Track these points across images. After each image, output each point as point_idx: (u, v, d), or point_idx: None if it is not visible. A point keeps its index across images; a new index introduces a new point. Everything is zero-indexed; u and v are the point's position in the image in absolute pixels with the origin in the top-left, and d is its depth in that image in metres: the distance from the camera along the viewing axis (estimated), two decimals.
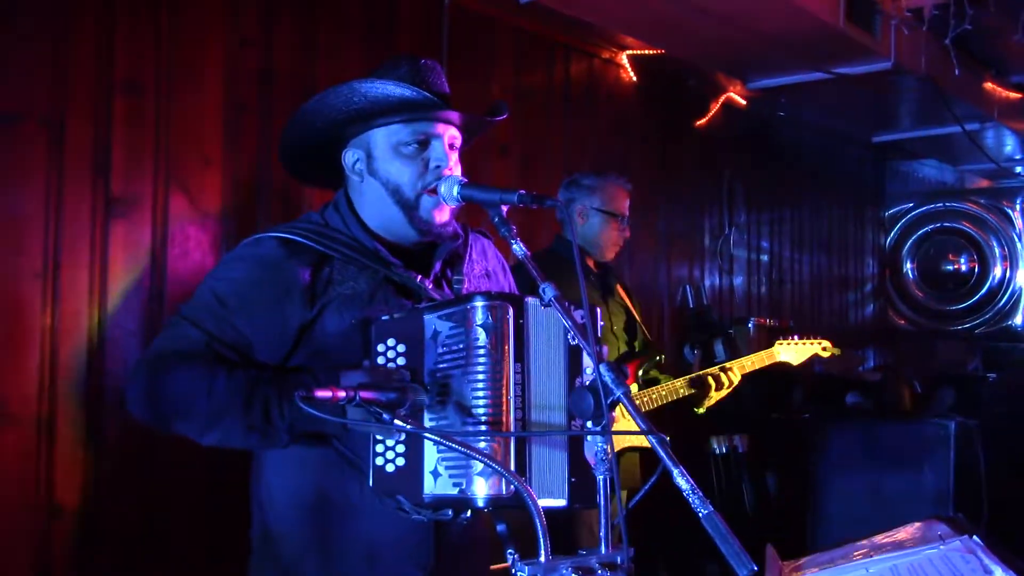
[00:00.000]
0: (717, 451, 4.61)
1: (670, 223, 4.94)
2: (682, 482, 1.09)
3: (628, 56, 4.49)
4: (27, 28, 2.51)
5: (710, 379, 2.85)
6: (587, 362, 1.46)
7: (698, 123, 5.07)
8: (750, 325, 5.16)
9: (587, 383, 1.25)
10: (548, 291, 1.28)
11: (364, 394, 1.24)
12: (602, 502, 1.20)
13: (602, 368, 1.18)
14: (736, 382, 2.92)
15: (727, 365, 2.96)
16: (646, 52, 4.43)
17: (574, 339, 1.43)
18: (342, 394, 1.22)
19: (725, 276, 5.41)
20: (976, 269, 7.11)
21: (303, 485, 1.57)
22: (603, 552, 1.18)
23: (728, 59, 4.30)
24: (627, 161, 4.62)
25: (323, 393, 1.21)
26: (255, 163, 3.02)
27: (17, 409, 2.48)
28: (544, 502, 1.35)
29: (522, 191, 1.38)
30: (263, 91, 3.03)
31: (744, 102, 5.16)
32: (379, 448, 1.43)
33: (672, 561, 4.14)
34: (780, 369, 5.07)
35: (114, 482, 2.64)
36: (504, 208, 1.41)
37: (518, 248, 1.36)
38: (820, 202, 6.40)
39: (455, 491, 1.35)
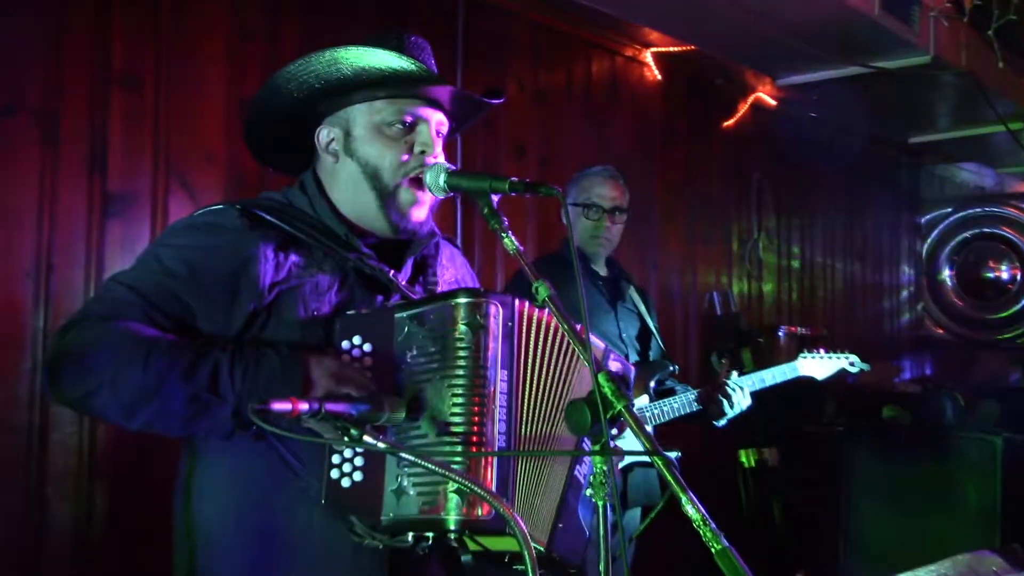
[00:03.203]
0: (746, 464, 4.42)
1: (697, 228, 4.76)
2: (692, 511, 0.94)
3: (652, 53, 4.34)
4: (21, 18, 2.42)
5: (720, 395, 2.62)
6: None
7: (725, 124, 4.90)
8: (780, 333, 4.97)
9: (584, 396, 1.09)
10: (542, 290, 1.14)
11: (330, 407, 1.09)
12: (601, 531, 1.05)
13: (600, 378, 1.03)
14: (747, 400, 2.69)
15: (741, 381, 2.73)
16: (671, 49, 4.27)
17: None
18: (304, 406, 1.07)
19: (754, 283, 5.22)
20: (1019, 276, 6.83)
21: (240, 510, 1.37)
22: None
23: (757, 53, 4.13)
24: (651, 163, 4.46)
25: (281, 406, 1.06)
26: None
27: (8, 416, 2.38)
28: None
29: (514, 178, 1.23)
30: None
31: (774, 102, 4.98)
32: (335, 459, 1.26)
33: None
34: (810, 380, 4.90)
35: (109, 493, 2.53)
36: (495, 198, 1.26)
37: (509, 242, 1.21)
38: (853, 207, 6.18)
39: (422, 512, 1.18)
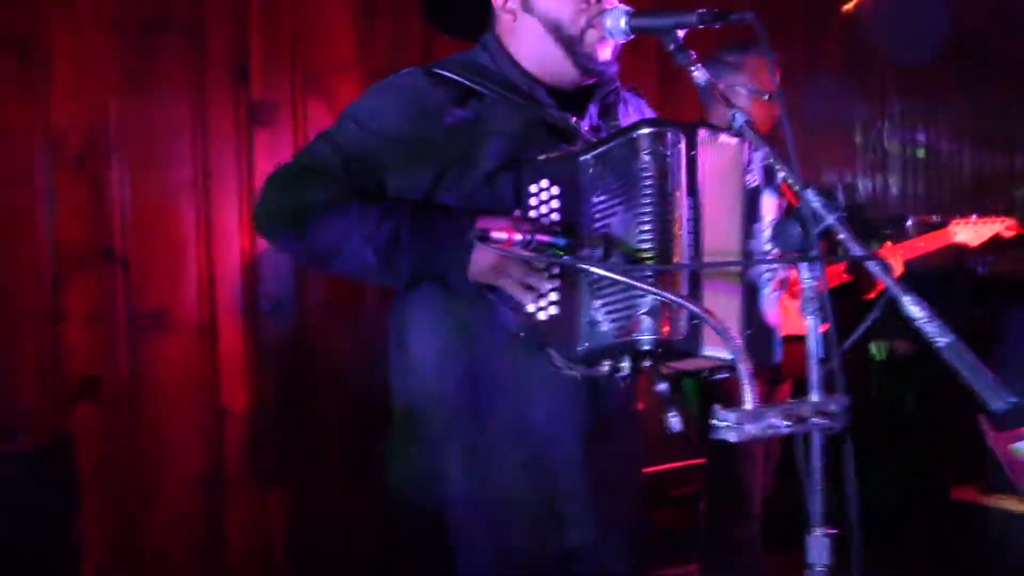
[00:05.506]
0: (876, 357, 4.35)
1: (817, 117, 4.61)
2: (915, 310, 0.95)
3: None
4: None
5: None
6: (766, 210, 1.31)
7: (845, 8, 4.68)
8: (908, 223, 4.80)
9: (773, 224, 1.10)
10: (738, 117, 1.14)
11: (541, 237, 1.15)
12: (813, 347, 1.07)
13: (808, 193, 1.04)
14: (900, 268, 2.64)
15: (895, 247, 2.68)
16: None
17: (752, 182, 1.30)
18: (518, 236, 1.13)
19: (878, 174, 5.04)
20: None
21: (451, 351, 1.46)
22: (815, 400, 1.05)
23: None
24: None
25: (499, 234, 1.12)
26: (389, 65, 2.94)
27: (180, 316, 2.55)
28: (713, 352, 1.23)
29: (702, 10, 1.23)
30: None
31: None
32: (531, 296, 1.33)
33: None
34: (942, 270, 4.74)
35: (275, 384, 2.70)
36: (680, 34, 1.26)
37: (700, 74, 1.22)
38: (981, 88, 5.85)
39: (616, 337, 1.23)
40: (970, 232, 2.91)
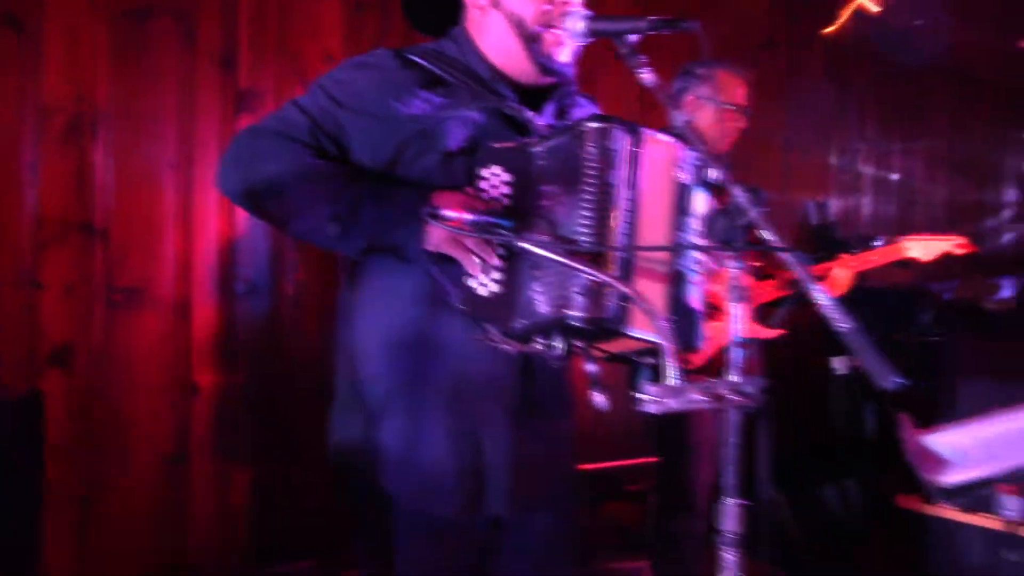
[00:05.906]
0: (838, 372, 4.45)
1: (795, 135, 4.72)
2: (821, 296, 1.04)
3: None
4: None
5: (830, 273, 2.69)
6: (695, 206, 1.39)
7: (826, 31, 4.81)
8: (876, 244, 4.91)
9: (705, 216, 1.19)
10: (678, 117, 1.24)
11: (488, 218, 1.24)
12: (734, 331, 1.16)
13: (735, 189, 1.13)
14: (848, 281, 2.74)
15: (849, 259, 2.78)
16: None
17: (683, 179, 1.38)
18: (468, 217, 1.22)
19: (851, 194, 5.17)
20: None
21: (396, 324, 1.52)
22: (734, 380, 1.14)
23: None
24: (751, 68, 4.41)
25: (450, 213, 1.21)
26: None
27: (155, 293, 2.62)
28: (639, 334, 1.31)
29: (652, 16, 1.32)
30: None
31: (876, 8, 4.85)
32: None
33: None
34: (907, 290, 4.85)
35: (246, 366, 2.77)
36: (632, 38, 1.36)
37: (648, 77, 1.31)
38: (958, 120, 6.00)
39: (549, 312, 1.31)
40: (921, 248, 3.03)
